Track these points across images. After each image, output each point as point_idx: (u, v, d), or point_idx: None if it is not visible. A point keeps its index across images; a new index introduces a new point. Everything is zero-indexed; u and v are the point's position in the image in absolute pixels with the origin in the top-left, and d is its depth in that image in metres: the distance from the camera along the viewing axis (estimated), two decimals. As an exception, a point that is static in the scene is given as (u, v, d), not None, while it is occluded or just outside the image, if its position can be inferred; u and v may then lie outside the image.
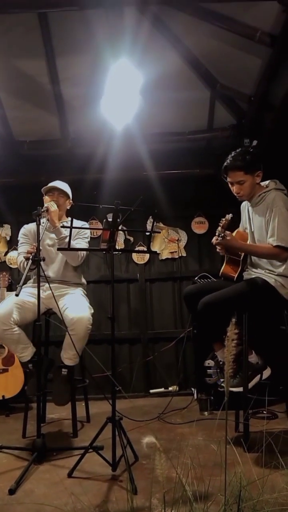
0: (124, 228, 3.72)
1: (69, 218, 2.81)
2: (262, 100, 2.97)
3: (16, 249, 3.78)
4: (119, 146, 3.45)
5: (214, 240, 2.21)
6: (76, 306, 2.41)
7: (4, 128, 3.47)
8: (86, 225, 2.82)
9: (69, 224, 2.64)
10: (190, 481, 1.46)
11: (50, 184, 2.74)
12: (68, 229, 2.54)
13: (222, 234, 2.08)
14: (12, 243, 3.84)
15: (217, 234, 2.13)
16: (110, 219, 1.92)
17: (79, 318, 2.34)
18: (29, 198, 3.72)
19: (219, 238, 2.08)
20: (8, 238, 3.86)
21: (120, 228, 2.89)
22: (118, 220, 1.94)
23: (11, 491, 1.72)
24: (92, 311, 2.60)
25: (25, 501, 1.66)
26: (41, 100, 3.30)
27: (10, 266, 3.80)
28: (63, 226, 2.41)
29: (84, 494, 1.68)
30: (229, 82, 3.11)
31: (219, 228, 2.13)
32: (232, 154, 2.29)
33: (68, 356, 2.43)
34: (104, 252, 3.76)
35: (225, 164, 2.30)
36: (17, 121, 3.45)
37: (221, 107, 3.39)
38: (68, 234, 2.54)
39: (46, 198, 2.72)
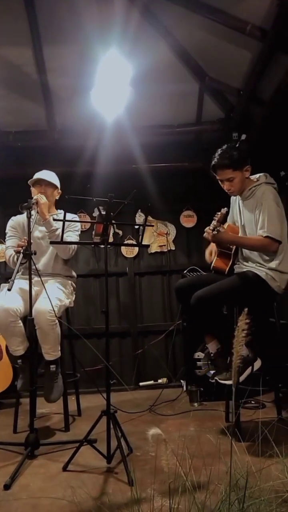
0: (114, 222, 3.70)
1: (59, 210, 2.79)
2: (251, 94, 2.98)
3: (3, 243, 3.74)
4: (107, 139, 3.41)
5: (207, 234, 2.20)
6: (41, 299, 2.33)
7: (-12, 119, 3.39)
8: (77, 218, 2.78)
9: (58, 216, 2.64)
10: (188, 472, 1.48)
11: (36, 176, 2.69)
12: (59, 222, 2.53)
13: (218, 228, 2.09)
14: (-3, 237, 3.77)
15: (211, 228, 2.13)
16: (103, 212, 1.90)
17: (39, 311, 2.27)
18: (14, 191, 3.66)
19: (214, 232, 2.08)
20: (-7, 232, 3.78)
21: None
22: (112, 213, 1.92)
23: (6, 486, 1.72)
24: (66, 303, 2.53)
25: (21, 496, 1.65)
26: (27, 90, 3.23)
27: (-4, 260, 3.74)
28: (55, 219, 2.38)
29: (81, 487, 1.68)
30: (218, 75, 3.11)
31: (214, 222, 2.12)
32: (219, 152, 2.30)
33: (45, 350, 2.40)
34: (93, 246, 3.76)
35: (212, 163, 2.31)
36: (1, 111, 3.37)
37: (209, 100, 3.38)
38: (58, 227, 2.53)
39: (33, 190, 2.67)
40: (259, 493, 1.24)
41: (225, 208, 2.24)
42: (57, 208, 2.80)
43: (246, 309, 1.08)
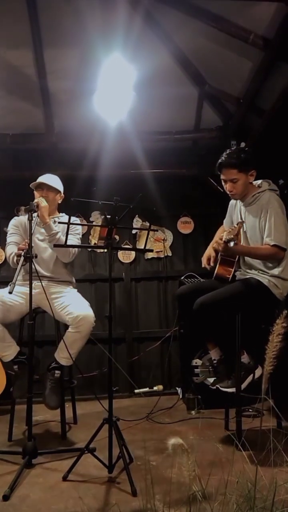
0: (119, 226, 3.68)
1: (61, 214, 2.76)
2: (250, 103, 3.00)
3: (-1, 245, 3.69)
4: (106, 143, 3.40)
5: (218, 245, 2.16)
6: (79, 304, 2.38)
7: (-14, 120, 3.35)
8: (77, 221, 2.76)
9: (60, 220, 2.63)
10: (189, 484, 1.44)
11: (38, 180, 2.66)
12: (59, 225, 2.51)
13: (236, 241, 2.04)
14: (-7, 239, 3.71)
15: (226, 239, 2.07)
16: (108, 216, 1.88)
17: (85, 315, 2.32)
18: (11, 193, 3.64)
19: (229, 244, 2.03)
20: (-12, 235, 3.72)
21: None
22: (117, 217, 1.90)
23: (6, 497, 1.66)
24: None
25: (21, 507, 1.60)
26: (26, 92, 3.20)
27: (-9, 262, 3.67)
28: (60, 222, 2.37)
29: (83, 498, 1.64)
30: (217, 83, 3.13)
31: (231, 236, 2.04)
32: (227, 152, 2.30)
33: (65, 355, 2.34)
34: (89, 250, 3.73)
35: (219, 161, 2.30)
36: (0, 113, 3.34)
37: (208, 107, 3.41)
38: (59, 230, 2.51)
39: (36, 194, 2.64)
40: (271, 505, 1.22)
41: (241, 221, 2.19)
42: (59, 211, 2.78)
43: (285, 312, 1.06)
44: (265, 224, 2.18)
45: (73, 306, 2.37)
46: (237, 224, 2.07)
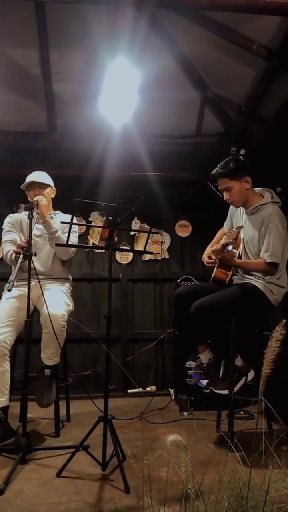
0: (121, 228, 3.71)
1: (57, 211, 2.78)
2: (252, 111, 3.05)
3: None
4: (108, 145, 3.43)
5: (215, 253, 2.20)
6: (51, 302, 2.31)
7: (-11, 117, 3.37)
8: (75, 219, 2.78)
9: (56, 217, 2.64)
10: (185, 480, 1.48)
11: (28, 179, 2.68)
12: (58, 224, 2.53)
13: (234, 246, 2.08)
14: (-9, 237, 3.72)
15: (224, 243, 2.11)
16: (110, 218, 1.92)
17: (52, 315, 2.26)
18: (10, 191, 3.64)
19: (226, 248, 2.08)
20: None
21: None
22: (118, 219, 1.93)
23: (0, 491, 1.68)
24: (71, 308, 2.57)
25: (16, 501, 1.62)
26: (30, 91, 3.23)
27: (-12, 260, 3.68)
28: (62, 222, 2.39)
29: (76, 494, 1.66)
30: (220, 90, 3.17)
31: (230, 240, 2.09)
32: (219, 164, 2.39)
33: (46, 355, 2.39)
34: (87, 250, 3.75)
35: (212, 172, 2.39)
36: (3, 110, 3.35)
37: (210, 113, 3.45)
38: (58, 228, 2.53)
39: (29, 194, 2.66)
40: (261, 504, 1.25)
41: (240, 226, 2.23)
42: (54, 208, 2.79)
43: (284, 321, 1.10)
44: (265, 238, 2.22)
45: (49, 305, 2.31)
46: (236, 228, 2.12)
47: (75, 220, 2.74)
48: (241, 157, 2.44)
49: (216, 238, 2.62)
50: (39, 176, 2.68)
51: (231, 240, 2.07)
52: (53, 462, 2.02)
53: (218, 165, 2.37)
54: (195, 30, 2.65)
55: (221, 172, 2.32)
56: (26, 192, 2.71)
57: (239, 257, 2.35)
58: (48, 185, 2.69)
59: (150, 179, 3.70)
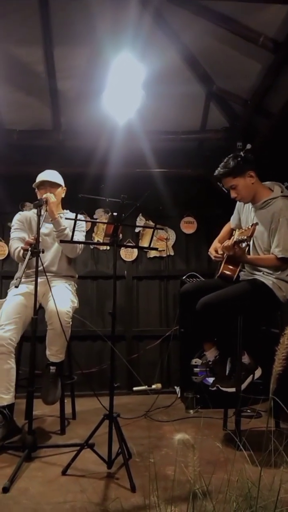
0: (126, 224, 3.68)
1: (65, 210, 2.77)
2: (258, 105, 3.01)
3: (1, 241, 3.70)
4: (112, 142, 3.41)
5: (228, 247, 2.16)
6: (57, 300, 2.30)
7: (-6, 116, 3.36)
8: (82, 217, 2.77)
9: (65, 216, 2.63)
10: (193, 479, 1.45)
11: (39, 178, 2.67)
12: (67, 221, 2.52)
13: (248, 242, 2.05)
14: (-3, 235, 3.73)
15: (236, 239, 2.07)
16: (115, 214, 1.90)
17: (57, 311, 2.25)
18: (16, 189, 3.64)
19: (243, 244, 2.04)
20: (-8, 230, 3.74)
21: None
22: (123, 214, 1.91)
23: (5, 489, 1.67)
24: (76, 304, 2.56)
25: (21, 500, 1.61)
26: (34, 89, 3.21)
27: (-6, 258, 3.68)
28: (67, 218, 2.38)
29: (82, 492, 1.65)
30: (225, 84, 3.13)
31: (244, 237, 2.05)
32: (220, 164, 2.36)
33: (51, 352, 2.38)
34: (92, 247, 3.74)
35: (214, 174, 2.37)
36: (7, 109, 3.34)
37: (215, 108, 3.41)
38: (67, 226, 2.51)
39: (39, 193, 2.65)
40: (271, 505, 1.22)
41: (256, 223, 2.17)
42: (63, 208, 2.78)
43: None
44: (275, 233, 2.18)
45: (51, 302, 2.31)
46: (251, 225, 2.07)
47: (80, 217, 2.73)
48: (241, 152, 2.41)
49: (223, 233, 2.59)
50: (50, 175, 2.68)
51: (245, 237, 2.02)
52: (59, 460, 2.01)
53: (219, 166, 2.35)
54: (199, 23, 2.61)
55: (223, 172, 2.31)
56: (36, 190, 2.70)
57: (248, 253, 2.31)
58: (59, 185, 2.69)
59: (155, 176, 3.67)
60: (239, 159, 2.30)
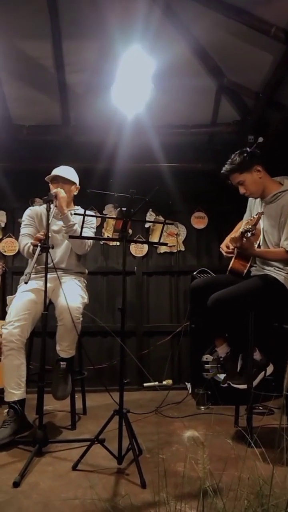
0: (135, 219, 3.67)
1: (77, 207, 2.76)
2: (270, 98, 2.96)
3: (11, 237, 3.71)
4: (122, 136, 3.39)
5: (235, 240, 2.14)
6: (66, 295, 2.29)
7: (3, 111, 3.36)
8: (91, 213, 2.76)
9: (76, 212, 2.62)
10: (203, 478, 1.44)
11: (53, 173, 2.66)
12: (76, 217, 2.51)
13: (253, 231, 2.02)
14: (7, 230, 3.75)
15: (243, 230, 2.05)
16: (124, 209, 1.88)
17: (66, 307, 2.25)
18: (25, 184, 3.65)
19: (248, 234, 2.02)
20: (2, 225, 3.76)
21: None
22: (132, 210, 1.89)
23: (16, 484, 1.68)
24: (86, 300, 2.55)
25: (31, 494, 1.62)
26: (43, 84, 3.21)
27: (5, 253, 3.70)
28: (76, 213, 2.38)
29: (92, 488, 1.65)
30: (236, 77, 3.08)
31: (249, 226, 2.03)
32: (227, 162, 2.34)
33: (62, 348, 2.39)
34: (102, 243, 3.73)
35: (221, 172, 2.35)
36: (16, 104, 3.35)
37: (226, 101, 3.36)
38: (76, 222, 2.51)
39: (51, 186, 2.64)
40: (283, 503, 1.20)
41: (261, 212, 2.16)
42: (75, 204, 2.78)
43: None
44: (284, 226, 2.15)
45: (61, 297, 2.31)
46: (256, 215, 2.05)
47: (90, 213, 2.72)
48: (247, 148, 2.37)
49: (235, 229, 2.56)
50: (64, 171, 2.66)
51: (250, 226, 2.00)
52: (69, 455, 2.01)
53: (226, 163, 2.34)
54: (209, 15, 2.57)
55: (229, 169, 2.30)
56: (49, 184, 2.69)
57: (258, 247, 2.28)
58: (72, 182, 2.67)
59: (164, 171, 3.64)
60: (245, 154, 2.28)
